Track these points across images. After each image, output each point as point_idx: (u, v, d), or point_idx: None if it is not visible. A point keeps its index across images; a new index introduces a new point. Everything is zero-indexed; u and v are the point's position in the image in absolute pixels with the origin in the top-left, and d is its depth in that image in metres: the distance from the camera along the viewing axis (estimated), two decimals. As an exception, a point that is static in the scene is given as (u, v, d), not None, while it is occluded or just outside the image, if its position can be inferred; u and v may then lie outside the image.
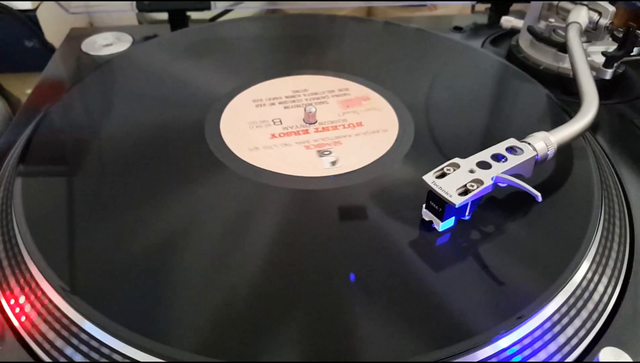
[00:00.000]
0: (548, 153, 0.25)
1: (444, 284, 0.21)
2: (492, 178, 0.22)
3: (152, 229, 0.24)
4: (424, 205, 0.23)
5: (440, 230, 0.23)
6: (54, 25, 0.49)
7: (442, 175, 0.23)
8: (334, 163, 0.27)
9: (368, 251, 0.23)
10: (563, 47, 0.36)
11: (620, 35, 0.36)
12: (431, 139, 0.29)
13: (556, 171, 0.27)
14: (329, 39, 0.41)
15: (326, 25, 0.43)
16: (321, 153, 0.28)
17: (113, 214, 0.24)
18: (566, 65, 0.37)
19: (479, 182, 0.22)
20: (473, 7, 0.50)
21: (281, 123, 0.30)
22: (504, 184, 0.23)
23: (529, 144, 0.24)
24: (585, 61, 0.31)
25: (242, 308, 0.20)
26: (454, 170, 0.23)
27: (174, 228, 0.24)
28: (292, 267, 0.22)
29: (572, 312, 0.21)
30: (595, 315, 0.21)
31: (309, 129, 0.30)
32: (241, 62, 0.37)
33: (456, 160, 0.23)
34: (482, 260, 0.22)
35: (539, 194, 0.21)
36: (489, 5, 0.49)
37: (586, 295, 0.22)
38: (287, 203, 0.25)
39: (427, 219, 0.23)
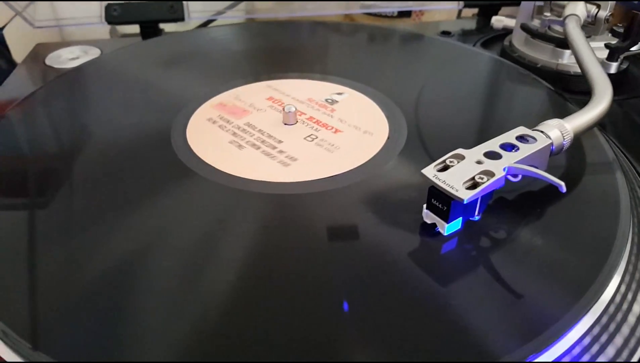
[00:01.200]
0: (564, 142, 0.21)
1: (453, 300, 0.18)
2: (504, 169, 0.19)
3: (112, 250, 0.20)
4: (424, 206, 0.20)
5: (445, 233, 0.19)
6: (22, 45, 0.46)
7: (445, 168, 0.19)
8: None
9: (361, 263, 0.19)
10: (561, 43, 0.34)
11: (621, 30, 0.34)
12: (426, 138, 0.26)
13: (576, 171, 0.24)
14: (305, 45, 0.39)
15: (300, 32, 0.41)
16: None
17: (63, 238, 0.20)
18: (565, 61, 0.35)
19: (489, 174, 0.19)
20: (459, 12, 0.48)
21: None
22: (516, 179, 0.20)
23: (542, 132, 0.21)
24: (590, 48, 0.29)
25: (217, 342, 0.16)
26: (458, 162, 0.19)
27: (136, 248, 0.20)
28: (276, 288, 0.18)
29: (604, 337, 0.17)
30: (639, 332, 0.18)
31: (288, 131, 0.26)
32: (208, 69, 0.34)
33: (460, 151, 0.20)
34: (495, 271, 0.19)
35: (562, 183, 0.18)
36: (475, 11, 0.47)
37: (620, 315, 0.18)
38: (265, 211, 0.22)
39: (429, 221, 0.20)
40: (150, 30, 0.42)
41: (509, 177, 0.20)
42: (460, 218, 0.19)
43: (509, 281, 0.18)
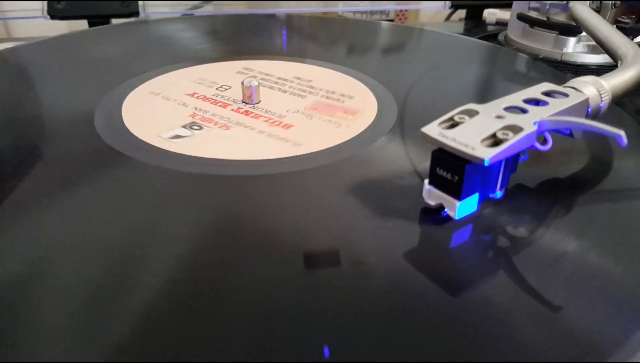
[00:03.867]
0: (601, 104, 0.16)
1: (468, 316, 0.12)
2: (534, 123, 0.14)
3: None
4: (425, 181, 0.14)
5: (456, 216, 0.14)
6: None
7: (453, 126, 0.14)
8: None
9: (345, 264, 0.13)
10: (565, 29, 0.30)
11: (627, 21, 0.30)
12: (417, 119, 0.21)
13: (616, 162, 0.18)
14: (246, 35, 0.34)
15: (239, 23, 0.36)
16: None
17: None
18: (571, 50, 0.30)
19: (516, 129, 0.14)
20: (449, 16, 0.44)
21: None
22: (546, 147, 0.14)
23: (574, 88, 0.16)
24: (605, 21, 0.24)
25: None
26: (471, 118, 0.14)
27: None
28: (245, 302, 0.12)
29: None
30: None
31: (250, 109, 0.21)
32: (149, 55, 0.29)
33: (471, 106, 0.15)
34: (523, 276, 0.13)
35: (622, 133, 0.13)
36: (463, 15, 0.44)
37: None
38: (227, 197, 0.16)
39: (433, 203, 0.14)
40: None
41: (537, 145, 0.15)
42: (477, 194, 0.14)
43: (544, 289, 0.12)
